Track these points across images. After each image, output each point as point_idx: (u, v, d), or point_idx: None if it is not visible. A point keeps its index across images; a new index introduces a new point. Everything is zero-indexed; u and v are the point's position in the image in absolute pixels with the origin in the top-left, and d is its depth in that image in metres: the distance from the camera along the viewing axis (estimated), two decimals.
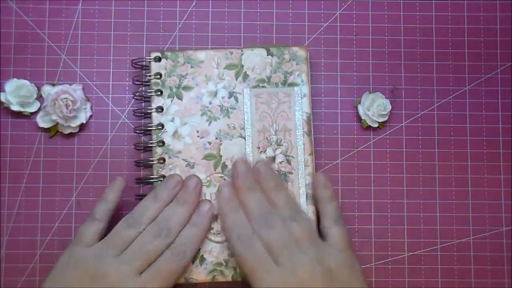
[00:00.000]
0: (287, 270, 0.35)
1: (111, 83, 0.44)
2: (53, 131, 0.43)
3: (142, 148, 0.42)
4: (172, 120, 0.40)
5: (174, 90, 0.41)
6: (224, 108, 0.41)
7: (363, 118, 0.44)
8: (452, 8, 0.45)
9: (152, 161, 0.40)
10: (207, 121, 0.41)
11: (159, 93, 0.41)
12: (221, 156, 0.40)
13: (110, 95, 0.44)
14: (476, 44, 0.45)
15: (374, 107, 0.43)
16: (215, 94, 0.41)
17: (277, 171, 0.40)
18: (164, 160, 0.40)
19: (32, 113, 0.43)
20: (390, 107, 0.43)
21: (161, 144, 0.40)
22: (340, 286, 0.35)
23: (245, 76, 0.41)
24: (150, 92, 0.41)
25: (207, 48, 0.43)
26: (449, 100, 0.45)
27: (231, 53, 0.41)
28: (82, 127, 0.43)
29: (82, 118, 0.42)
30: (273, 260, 0.35)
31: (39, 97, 0.43)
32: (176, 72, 0.41)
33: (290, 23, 0.45)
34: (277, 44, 0.43)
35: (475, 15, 0.45)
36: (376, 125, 0.44)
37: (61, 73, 0.44)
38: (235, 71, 0.41)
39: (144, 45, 0.44)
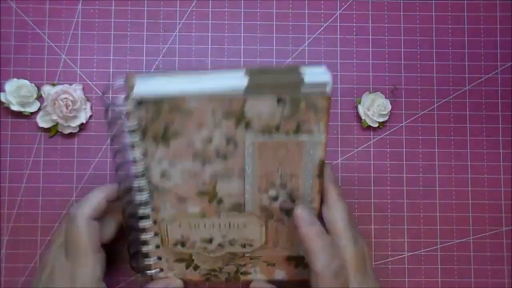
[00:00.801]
0: None
1: (111, 83, 0.44)
2: (53, 131, 0.43)
3: (128, 184, 0.36)
4: (159, 163, 0.34)
5: (159, 137, 0.33)
6: (220, 153, 0.34)
7: (363, 118, 0.44)
8: (452, 8, 0.45)
9: (140, 195, 0.36)
10: (200, 163, 0.34)
11: (141, 139, 0.33)
12: (217, 193, 0.36)
13: (110, 95, 0.44)
14: (476, 44, 0.45)
15: (374, 107, 0.43)
16: (210, 140, 0.33)
17: (278, 208, 0.36)
18: (153, 194, 0.36)
19: (32, 113, 0.43)
20: (390, 107, 0.43)
21: (148, 183, 0.35)
22: None
23: (248, 125, 0.33)
24: (130, 144, 0.34)
25: (198, 95, 0.32)
26: (449, 100, 0.45)
27: (230, 102, 0.32)
28: (82, 127, 0.43)
29: (82, 118, 0.42)
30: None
31: (39, 97, 0.43)
32: (160, 120, 0.32)
33: (290, 23, 0.45)
34: (291, 66, 0.33)
35: (475, 15, 0.45)
36: (376, 125, 0.44)
37: (61, 73, 0.44)
38: (235, 119, 0.33)
39: (144, 45, 0.44)
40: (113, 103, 0.33)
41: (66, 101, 0.41)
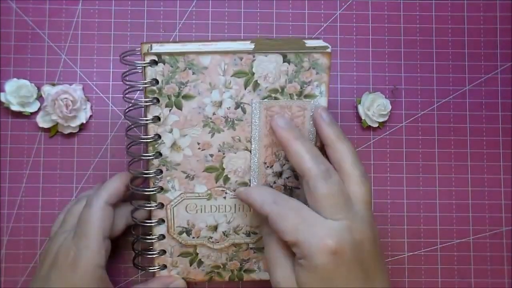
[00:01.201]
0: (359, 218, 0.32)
1: (111, 83, 0.44)
2: (53, 131, 0.43)
3: (137, 159, 0.38)
4: (170, 131, 0.36)
5: (173, 99, 0.36)
6: (229, 119, 0.36)
7: (363, 118, 0.44)
8: (452, 8, 0.45)
9: (148, 173, 0.37)
10: (209, 133, 0.37)
11: (155, 101, 0.36)
12: (224, 169, 0.37)
13: (110, 95, 0.44)
14: (476, 44, 0.45)
15: (374, 107, 0.43)
16: (219, 104, 0.36)
17: (283, 186, 0.38)
18: (161, 171, 0.37)
19: (32, 113, 0.43)
20: (390, 107, 0.43)
21: (157, 155, 0.37)
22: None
23: (256, 86, 0.36)
24: (146, 101, 0.35)
25: (211, 51, 0.36)
26: (449, 100, 0.45)
27: (241, 59, 0.35)
28: (82, 127, 0.43)
29: (82, 118, 0.42)
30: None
31: (39, 97, 0.43)
32: (175, 79, 0.35)
33: (290, 23, 0.45)
34: (294, 38, 0.37)
35: (475, 15, 0.45)
36: (376, 125, 0.44)
37: (61, 73, 0.44)
38: (244, 79, 0.36)
39: None
40: (132, 63, 0.35)
41: (66, 101, 0.41)
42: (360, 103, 0.44)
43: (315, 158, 0.32)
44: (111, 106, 0.44)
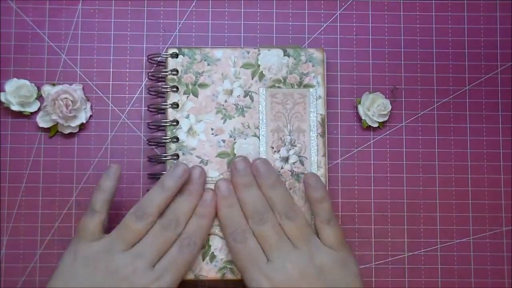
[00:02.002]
0: (278, 267, 0.35)
1: (111, 83, 0.44)
2: (53, 131, 0.43)
3: (156, 144, 0.42)
4: (187, 117, 0.41)
5: (190, 87, 0.41)
6: (239, 106, 0.41)
7: (363, 118, 0.44)
8: (452, 8, 0.45)
9: (165, 157, 0.40)
10: (222, 119, 0.41)
11: (175, 89, 0.41)
12: (235, 154, 0.40)
13: (110, 95, 0.44)
14: (476, 44, 0.45)
15: (374, 107, 0.43)
16: (230, 92, 0.41)
17: (290, 171, 0.40)
18: (177, 156, 0.40)
19: (32, 113, 0.43)
20: (390, 107, 0.43)
21: (175, 140, 0.40)
22: (331, 285, 0.35)
23: (261, 76, 0.41)
24: (166, 88, 0.41)
25: (223, 47, 0.43)
26: (449, 100, 0.45)
27: (248, 52, 0.41)
28: (82, 127, 0.43)
29: (82, 118, 0.43)
30: (266, 256, 0.36)
31: (39, 97, 0.43)
32: (193, 69, 0.41)
33: (290, 23, 0.45)
34: (293, 45, 0.42)
35: (475, 15, 0.45)
36: (376, 125, 0.44)
37: (61, 73, 0.44)
38: (251, 70, 0.41)
39: (144, 45, 0.44)
40: (158, 54, 0.42)
41: (66, 101, 0.41)
42: (360, 103, 0.44)
43: (257, 205, 0.38)
44: (111, 106, 0.44)
